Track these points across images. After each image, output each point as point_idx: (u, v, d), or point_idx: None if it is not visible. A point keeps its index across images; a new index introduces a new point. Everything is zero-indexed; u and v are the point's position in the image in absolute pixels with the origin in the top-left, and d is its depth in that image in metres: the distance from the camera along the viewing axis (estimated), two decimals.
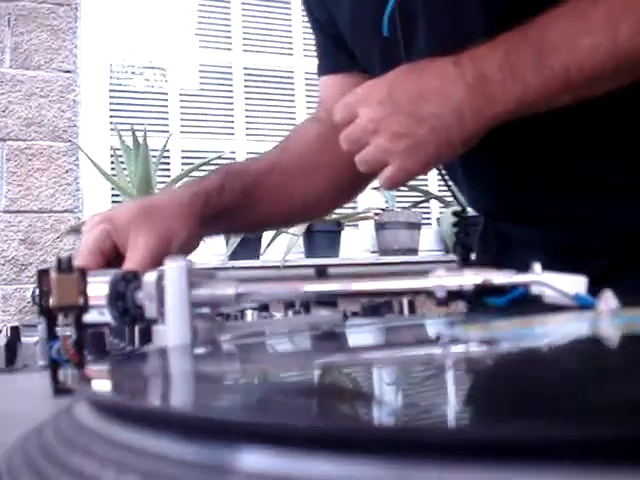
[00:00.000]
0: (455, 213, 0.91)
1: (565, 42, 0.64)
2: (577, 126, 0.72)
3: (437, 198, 2.62)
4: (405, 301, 0.72)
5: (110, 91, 2.40)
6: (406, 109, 0.68)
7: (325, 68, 0.99)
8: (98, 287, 0.52)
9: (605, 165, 0.73)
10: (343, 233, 2.43)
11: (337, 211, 2.39)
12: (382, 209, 2.56)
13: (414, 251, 2.53)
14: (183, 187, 0.86)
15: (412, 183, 2.50)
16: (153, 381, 0.32)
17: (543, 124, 0.70)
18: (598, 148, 0.73)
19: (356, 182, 0.97)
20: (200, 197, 0.78)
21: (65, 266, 0.42)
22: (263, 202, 0.87)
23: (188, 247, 0.76)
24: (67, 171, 2.25)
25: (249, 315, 0.77)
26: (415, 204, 2.62)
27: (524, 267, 0.48)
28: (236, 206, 0.83)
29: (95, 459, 0.21)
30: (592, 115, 0.70)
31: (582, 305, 0.46)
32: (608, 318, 0.39)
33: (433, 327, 0.52)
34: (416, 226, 2.56)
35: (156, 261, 0.68)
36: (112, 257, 0.70)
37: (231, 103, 2.54)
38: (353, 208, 2.53)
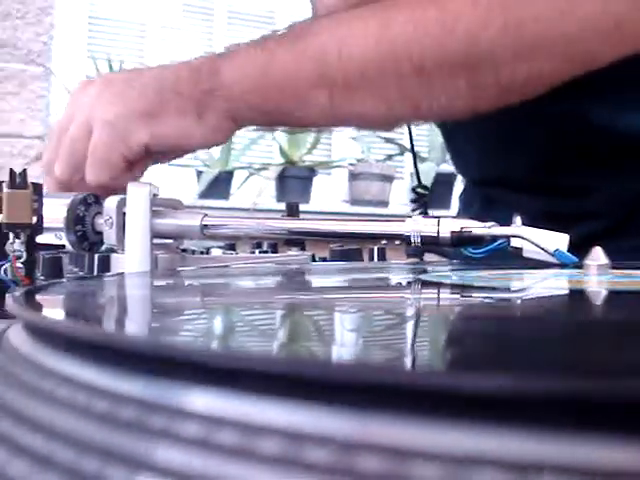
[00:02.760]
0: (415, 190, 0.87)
1: (327, 27, 0.56)
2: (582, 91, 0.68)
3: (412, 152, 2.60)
4: (376, 249, 0.70)
5: (89, 17, 2.34)
6: (119, 81, 0.59)
7: None
8: (56, 208, 0.50)
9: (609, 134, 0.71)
10: (316, 181, 2.41)
11: (311, 158, 2.37)
12: (357, 160, 2.54)
13: (385, 203, 2.52)
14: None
15: (388, 135, 2.48)
16: (99, 307, 0.29)
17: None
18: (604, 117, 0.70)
19: None
20: None
21: (19, 181, 0.39)
22: None
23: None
24: (39, 97, 2.20)
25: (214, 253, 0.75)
26: (390, 157, 2.60)
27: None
28: None
29: (25, 388, 0.19)
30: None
31: (562, 262, 0.44)
32: (594, 273, 0.38)
33: (404, 272, 0.50)
34: (389, 179, 2.54)
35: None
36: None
37: (211, 39, 2.49)
38: (327, 156, 2.51)
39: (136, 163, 0.58)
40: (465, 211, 0.88)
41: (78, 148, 0.58)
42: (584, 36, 0.51)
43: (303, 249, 0.58)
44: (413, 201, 0.81)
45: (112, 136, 0.56)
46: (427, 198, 0.84)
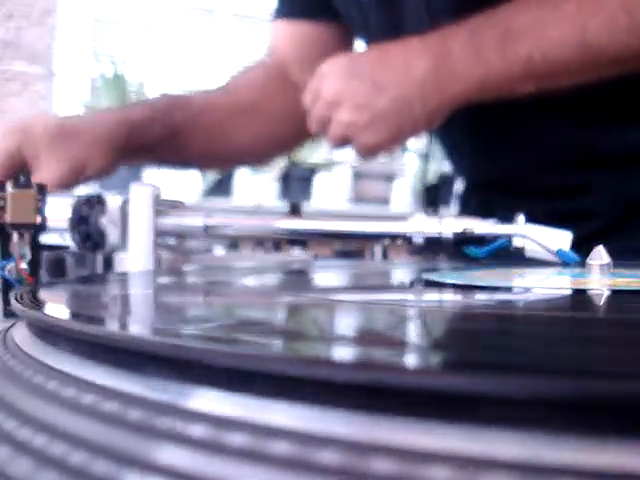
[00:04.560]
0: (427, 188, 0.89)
1: (532, 30, 0.63)
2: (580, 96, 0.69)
3: (416, 153, 2.60)
4: (378, 248, 0.70)
5: (92, 19, 2.34)
6: (366, 77, 0.66)
7: (287, 11, 0.93)
8: (60, 208, 0.50)
9: (607, 133, 0.71)
10: (318, 180, 2.40)
11: (314, 157, 2.37)
12: (360, 159, 2.54)
13: (387, 202, 2.52)
14: (108, 112, 0.84)
15: None
16: (102, 307, 0.29)
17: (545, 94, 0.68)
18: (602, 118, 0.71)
19: (293, 138, 0.96)
20: (123, 127, 0.76)
21: (23, 181, 0.39)
22: (196, 141, 0.85)
23: (102, 174, 0.75)
24: (42, 97, 2.20)
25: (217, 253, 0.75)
26: (392, 156, 2.59)
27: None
28: (166, 142, 0.81)
29: (28, 387, 0.19)
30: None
31: (565, 261, 0.44)
32: (597, 273, 0.38)
33: (407, 271, 0.50)
34: (392, 178, 2.54)
35: (62, 188, 0.68)
36: (17, 172, 0.66)
37: (214, 40, 2.49)
38: (330, 155, 2.50)
39: None
40: (465, 211, 0.88)
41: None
42: None
43: (306, 249, 0.58)
44: (424, 199, 0.81)
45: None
46: (437, 196, 0.85)
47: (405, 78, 0.65)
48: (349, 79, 0.66)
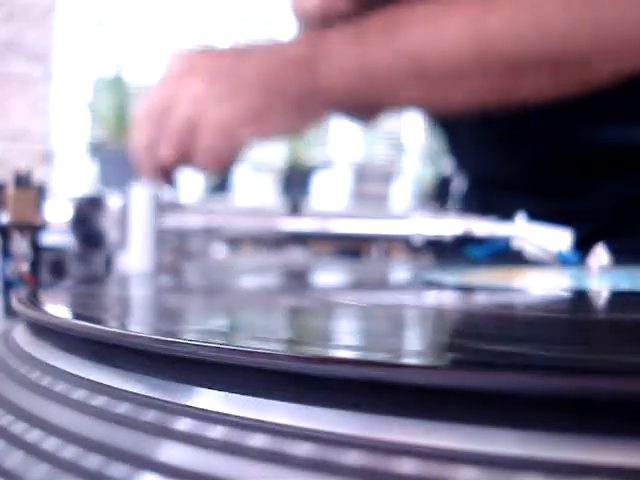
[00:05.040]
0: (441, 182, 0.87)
1: (424, 22, 0.56)
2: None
3: (415, 152, 2.60)
4: (378, 248, 0.70)
5: (92, 19, 2.34)
6: (226, 51, 0.61)
7: None
8: (61, 208, 0.50)
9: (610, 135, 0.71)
10: (318, 180, 2.41)
11: (314, 157, 2.37)
12: (360, 158, 2.54)
13: (387, 202, 2.52)
14: None
15: (390, 134, 2.48)
16: (103, 307, 0.29)
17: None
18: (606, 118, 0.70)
19: None
20: None
21: (24, 181, 0.39)
22: None
23: None
24: (42, 98, 2.20)
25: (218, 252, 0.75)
26: (393, 155, 2.60)
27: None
28: None
29: (29, 387, 0.19)
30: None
31: (564, 261, 0.45)
32: (596, 272, 0.38)
33: (407, 271, 0.51)
34: (392, 178, 2.54)
35: None
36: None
37: (215, 42, 2.49)
38: (330, 155, 2.51)
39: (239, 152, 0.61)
40: (465, 211, 0.88)
41: (185, 139, 0.58)
42: None
43: (306, 248, 0.58)
44: (436, 199, 0.81)
45: (222, 137, 0.57)
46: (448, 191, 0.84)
47: (269, 53, 0.59)
48: (203, 55, 0.60)
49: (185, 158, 0.59)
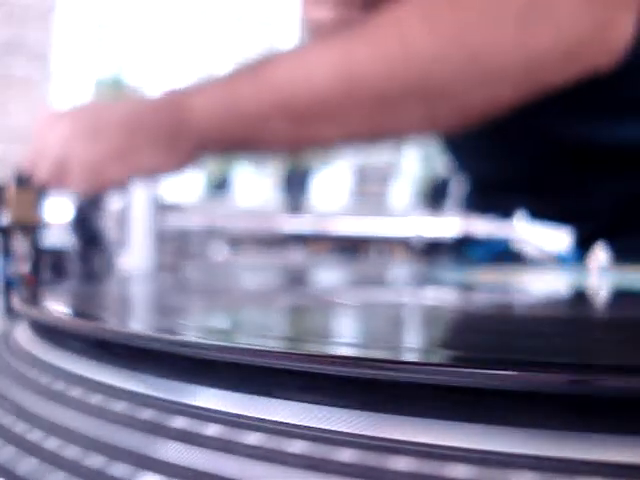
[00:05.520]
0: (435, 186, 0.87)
1: (293, 57, 0.57)
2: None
3: (415, 152, 2.60)
4: (378, 248, 0.70)
5: (93, 20, 2.34)
6: (96, 103, 0.62)
7: None
8: (61, 208, 0.50)
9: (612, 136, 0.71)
10: (318, 180, 2.40)
11: (314, 157, 2.37)
12: (360, 158, 2.54)
13: (387, 202, 2.52)
14: None
15: None
16: (103, 306, 0.30)
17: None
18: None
19: None
20: None
21: (25, 181, 0.39)
22: None
23: None
24: (43, 98, 2.20)
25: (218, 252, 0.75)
26: (393, 156, 2.60)
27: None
28: None
29: (30, 385, 0.19)
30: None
31: (564, 261, 0.45)
32: (596, 272, 0.38)
33: (407, 271, 0.51)
34: (391, 178, 2.54)
35: None
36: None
37: (213, 42, 2.49)
38: (330, 155, 2.50)
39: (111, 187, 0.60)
40: (465, 211, 0.88)
41: (58, 177, 0.57)
42: (538, 64, 0.53)
43: (305, 248, 0.59)
44: (432, 199, 0.80)
45: (89, 174, 0.57)
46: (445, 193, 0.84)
47: (144, 100, 0.61)
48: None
49: (61, 185, 0.58)
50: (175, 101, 0.58)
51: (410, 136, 0.59)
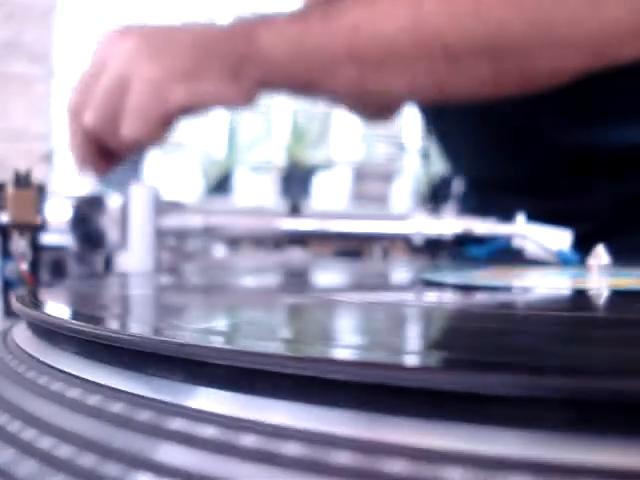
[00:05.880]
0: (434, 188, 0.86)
1: (363, 4, 0.56)
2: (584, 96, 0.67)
3: (416, 152, 2.60)
4: (378, 248, 0.70)
5: (92, 18, 2.34)
6: (158, 32, 0.59)
7: None
8: (60, 207, 0.50)
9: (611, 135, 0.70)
10: (319, 180, 2.41)
11: (314, 157, 2.37)
12: (360, 159, 2.54)
13: (387, 202, 2.52)
14: None
15: (390, 134, 2.48)
16: (103, 307, 0.29)
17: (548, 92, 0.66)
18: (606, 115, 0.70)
19: None
20: None
21: (23, 181, 0.39)
22: None
23: None
24: (43, 97, 2.20)
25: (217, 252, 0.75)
26: (392, 156, 2.60)
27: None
28: None
29: (29, 387, 0.19)
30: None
31: (565, 261, 0.44)
32: (596, 272, 0.38)
33: (407, 271, 0.51)
34: (392, 178, 2.54)
35: None
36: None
37: None
38: (330, 155, 2.51)
39: (170, 119, 0.59)
40: (464, 210, 0.87)
41: (114, 101, 0.57)
42: (613, 35, 0.53)
43: (306, 248, 0.58)
44: (430, 200, 0.80)
45: (152, 95, 0.56)
46: (442, 194, 0.84)
47: (214, 25, 0.60)
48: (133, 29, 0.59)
49: (111, 125, 0.57)
50: (245, 31, 0.58)
51: (472, 98, 0.59)
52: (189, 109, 0.58)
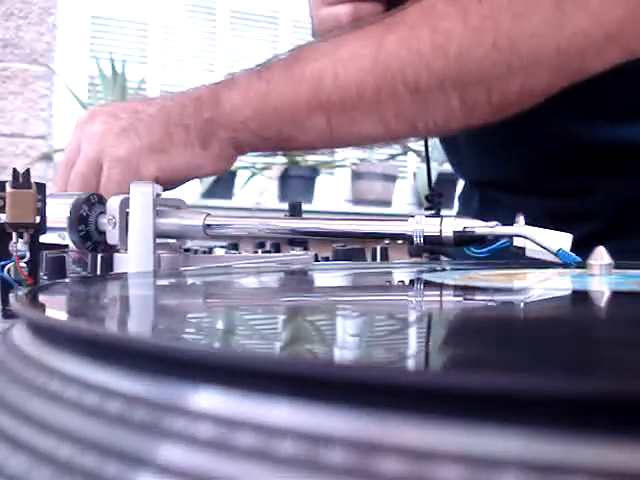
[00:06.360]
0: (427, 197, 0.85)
1: (326, 51, 0.56)
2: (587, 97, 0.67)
3: (415, 152, 2.60)
4: (378, 249, 0.70)
5: (92, 17, 2.34)
6: (126, 109, 0.60)
7: None
8: (59, 208, 0.50)
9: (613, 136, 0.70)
10: (319, 180, 2.40)
11: (314, 158, 2.37)
12: (360, 159, 2.54)
13: (388, 203, 2.52)
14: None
15: None
16: (102, 307, 0.29)
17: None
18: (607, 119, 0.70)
19: None
20: None
21: (22, 180, 0.39)
22: None
23: None
24: (42, 96, 2.20)
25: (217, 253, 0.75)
26: (392, 156, 2.60)
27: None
28: None
29: (27, 387, 0.19)
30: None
31: (565, 262, 0.44)
32: (597, 273, 0.38)
33: (407, 272, 0.51)
34: (392, 178, 2.54)
35: None
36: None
37: (214, 39, 2.49)
38: (330, 156, 2.50)
39: None
40: (465, 211, 0.87)
41: (89, 183, 0.58)
42: (576, 49, 0.52)
43: (306, 249, 0.58)
44: (428, 201, 0.79)
45: (124, 172, 0.57)
46: (442, 199, 0.83)
47: (177, 95, 0.60)
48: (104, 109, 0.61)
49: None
50: (209, 96, 0.58)
51: (448, 132, 0.58)
52: (165, 181, 0.58)
